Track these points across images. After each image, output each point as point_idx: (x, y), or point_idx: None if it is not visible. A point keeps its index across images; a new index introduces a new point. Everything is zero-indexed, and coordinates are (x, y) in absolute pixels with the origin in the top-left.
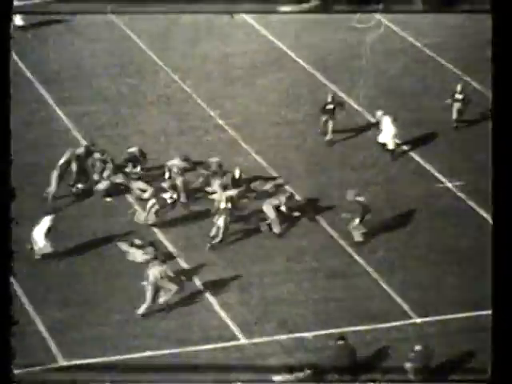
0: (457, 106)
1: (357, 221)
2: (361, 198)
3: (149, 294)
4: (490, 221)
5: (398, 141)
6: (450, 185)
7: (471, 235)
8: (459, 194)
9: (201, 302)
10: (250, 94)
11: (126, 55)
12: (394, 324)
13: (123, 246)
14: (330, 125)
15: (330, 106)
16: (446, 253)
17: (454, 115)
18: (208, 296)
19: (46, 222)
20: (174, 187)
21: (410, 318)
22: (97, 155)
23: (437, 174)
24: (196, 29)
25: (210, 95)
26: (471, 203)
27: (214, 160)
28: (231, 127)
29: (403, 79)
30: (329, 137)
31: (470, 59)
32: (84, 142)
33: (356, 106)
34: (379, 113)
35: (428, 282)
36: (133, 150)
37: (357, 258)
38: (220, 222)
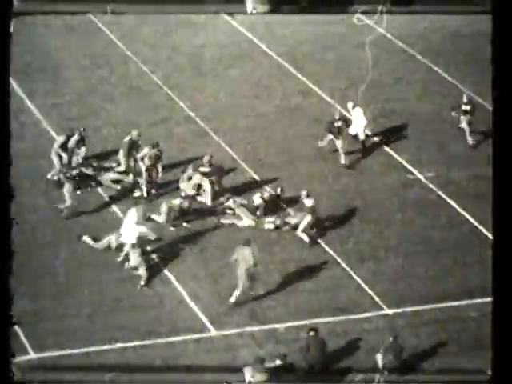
0: (466, 118)
1: (304, 223)
2: (309, 201)
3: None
4: (461, 211)
5: (368, 132)
6: (421, 176)
7: (442, 226)
8: (430, 185)
9: (171, 294)
10: (220, 86)
11: (95, 47)
12: (364, 315)
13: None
14: (339, 145)
15: (338, 124)
16: (416, 244)
17: (467, 131)
18: (178, 287)
19: None
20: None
21: (381, 309)
22: (74, 137)
23: (408, 166)
24: (166, 21)
25: (181, 87)
26: (442, 194)
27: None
28: (202, 119)
29: (374, 70)
30: (343, 160)
31: (439, 50)
32: (54, 134)
33: (327, 98)
34: (350, 104)
35: (399, 274)
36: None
37: (327, 248)
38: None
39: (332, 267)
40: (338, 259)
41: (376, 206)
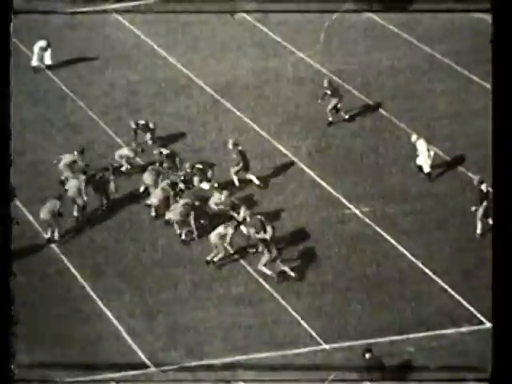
0: (333, 101)
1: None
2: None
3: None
4: (399, 247)
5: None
6: (356, 211)
7: (378, 261)
8: (367, 220)
9: (109, 329)
10: (157, 121)
11: (31, 83)
12: (302, 350)
13: None
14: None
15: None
16: (353, 279)
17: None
18: (115, 323)
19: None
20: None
21: (319, 344)
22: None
23: (344, 200)
24: (103, 56)
25: (118, 123)
26: (379, 229)
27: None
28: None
29: (309, 106)
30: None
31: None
32: None
33: (264, 133)
34: (414, 136)
35: (336, 309)
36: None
37: (264, 284)
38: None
39: (269, 302)
40: (275, 294)
41: (312, 241)
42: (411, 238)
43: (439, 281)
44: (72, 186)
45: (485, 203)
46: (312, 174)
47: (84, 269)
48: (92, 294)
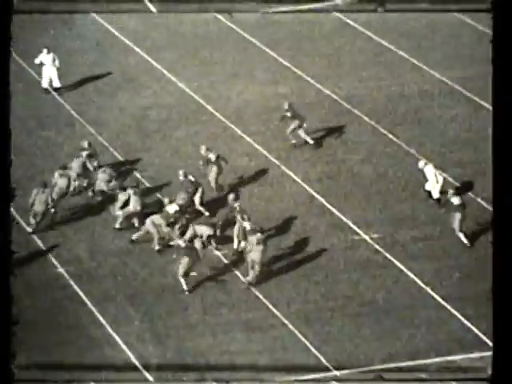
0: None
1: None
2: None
3: None
4: (408, 273)
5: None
6: (366, 237)
7: (388, 287)
8: (376, 246)
9: (118, 355)
10: (166, 146)
11: (41, 108)
12: (312, 376)
13: None
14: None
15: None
16: (363, 305)
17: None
18: (124, 348)
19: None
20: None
21: (329, 370)
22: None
23: (353, 226)
24: (112, 80)
25: (127, 148)
26: (388, 255)
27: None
28: (149, 180)
29: (319, 132)
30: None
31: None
32: None
33: (273, 159)
34: (421, 162)
35: (345, 335)
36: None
37: (274, 310)
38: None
39: (279, 328)
40: (285, 320)
41: (322, 267)
42: (421, 263)
43: (449, 307)
44: (75, 166)
45: (458, 215)
46: (322, 199)
47: (93, 294)
48: (101, 319)
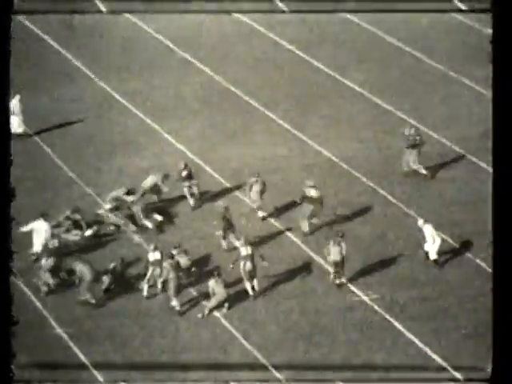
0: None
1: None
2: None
3: None
4: (408, 335)
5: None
6: (365, 298)
7: (387, 348)
8: (375, 306)
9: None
10: (165, 205)
11: (38, 169)
12: None
13: None
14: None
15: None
16: (361, 367)
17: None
18: None
19: None
20: None
21: None
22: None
23: (352, 287)
24: (110, 141)
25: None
26: (387, 316)
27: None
28: (145, 239)
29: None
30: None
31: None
32: None
33: (271, 220)
34: (420, 221)
35: None
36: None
37: (272, 370)
38: None
39: None
40: None
41: (321, 328)
42: (420, 324)
43: (449, 368)
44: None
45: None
46: (321, 261)
47: (92, 356)
48: (100, 379)
